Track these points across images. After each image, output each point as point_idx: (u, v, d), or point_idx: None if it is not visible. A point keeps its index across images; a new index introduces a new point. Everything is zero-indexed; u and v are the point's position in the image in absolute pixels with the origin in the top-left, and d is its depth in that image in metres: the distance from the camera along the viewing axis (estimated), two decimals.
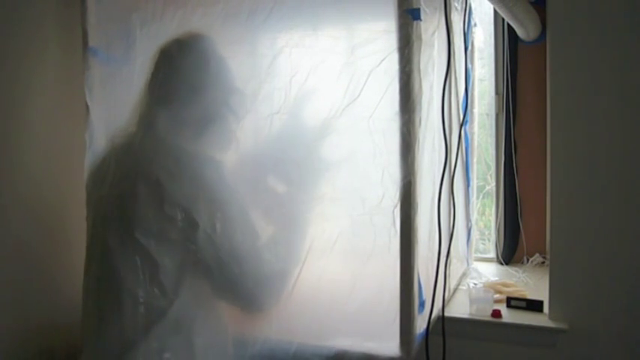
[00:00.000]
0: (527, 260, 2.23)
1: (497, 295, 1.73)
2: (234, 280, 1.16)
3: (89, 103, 1.39)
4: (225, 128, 1.27)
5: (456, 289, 1.88)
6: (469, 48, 1.95)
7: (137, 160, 1.17)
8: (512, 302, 1.68)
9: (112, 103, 1.37)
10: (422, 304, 1.34)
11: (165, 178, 1.12)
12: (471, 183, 2.08)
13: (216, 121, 1.24)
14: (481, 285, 1.87)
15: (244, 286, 1.17)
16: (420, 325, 1.33)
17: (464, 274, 2.04)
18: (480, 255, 2.35)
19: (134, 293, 1.11)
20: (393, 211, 1.28)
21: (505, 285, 1.85)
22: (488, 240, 2.38)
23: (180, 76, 1.21)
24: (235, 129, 1.29)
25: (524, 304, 1.66)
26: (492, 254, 2.33)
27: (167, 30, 1.29)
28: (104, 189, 1.20)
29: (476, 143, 2.23)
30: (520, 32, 2.10)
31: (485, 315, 1.62)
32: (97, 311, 1.18)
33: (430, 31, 1.38)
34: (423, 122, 1.29)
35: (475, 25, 2.11)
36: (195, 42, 1.25)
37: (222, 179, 1.18)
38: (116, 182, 1.18)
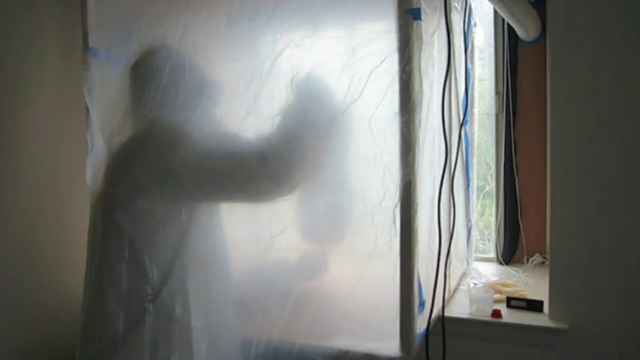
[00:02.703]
0: (527, 260, 2.23)
1: (497, 295, 1.73)
2: (228, 166, 1.20)
3: (88, 104, 1.39)
4: (207, 115, 1.30)
5: (456, 289, 1.88)
6: (469, 48, 1.95)
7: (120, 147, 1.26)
8: (512, 302, 1.68)
9: (113, 104, 1.37)
10: (422, 304, 1.34)
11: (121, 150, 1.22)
12: (470, 183, 2.08)
13: (197, 110, 1.28)
14: (481, 285, 1.87)
15: (241, 169, 1.20)
16: (420, 325, 1.33)
17: (464, 274, 2.04)
18: (479, 255, 2.35)
19: (117, 280, 1.15)
20: (394, 211, 1.28)
21: (505, 285, 1.85)
22: (488, 240, 2.38)
23: (155, 81, 1.25)
24: (217, 114, 1.32)
25: (524, 304, 1.67)
26: (492, 254, 2.33)
27: (173, 33, 1.30)
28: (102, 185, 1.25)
29: (476, 143, 2.23)
30: (520, 32, 2.10)
31: (485, 315, 1.62)
32: (88, 303, 1.20)
33: (430, 31, 1.38)
34: (423, 122, 1.29)
35: (475, 25, 2.11)
36: (154, 52, 1.30)
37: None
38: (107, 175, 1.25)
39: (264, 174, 1.22)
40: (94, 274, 1.20)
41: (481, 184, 2.35)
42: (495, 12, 2.18)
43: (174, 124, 1.23)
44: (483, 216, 2.39)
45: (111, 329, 1.13)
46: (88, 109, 1.41)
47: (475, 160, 2.20)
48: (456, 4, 1.69)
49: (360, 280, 1.35)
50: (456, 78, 1.78)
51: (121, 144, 1.26)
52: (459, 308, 1.69)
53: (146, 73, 1.27)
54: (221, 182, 1.22)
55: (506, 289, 1.81)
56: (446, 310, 1.53)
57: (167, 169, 1.17)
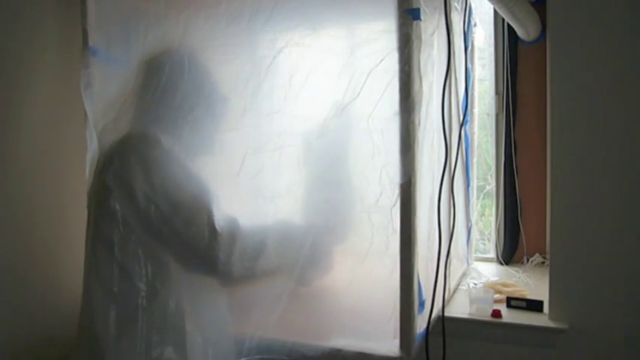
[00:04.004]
0: (527, 260, 2.23)
1: (497, 295, 1.73)
2: (184, 239, 1.15)
3: (85, 102, 1.39)
4: (204, 133, 1.28)
5: (456, 289, 1.88)
6: (469, 48, 1.95)
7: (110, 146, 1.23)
8: (512, 302, 1.68)
9: (108, 102, 1.37)
10: (422, 304, 1.33)
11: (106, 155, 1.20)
12: (470, 183, 2.08)
13: (194, 125, 1.25)
14: (481, 285, 1.87)
15: (197, 247, 1.16)
16: (420, 325, 1.33)
17: (464, 274, 2.04)
18: (480, 255, 2.35)
19: (107, 279, 1.15)
20: (391, 210, 1.28)
21: (505, 285, 1.85)
22: (488, 240, 2.38)
23: (162, 84, 1.24)
24: (214, 135, 1.30)
25: (524, 304, 1.66)
26: (492, 254, 2.33)
27: (172, 32, 1.30)
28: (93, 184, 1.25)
29: (476, 143, 2.23)
30: (520, 32, 2.10)
31: (485, 315, 1.62)
32: (83, 301, 1.21)
33: (430, 31, 1.38)
34: (422, 122, 1.29)
35: (475, 25, 2.11)
36: (174, 54, 1.28)
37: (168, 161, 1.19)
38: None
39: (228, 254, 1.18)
40: (87, 272, 1.20)
41: (481, 184, 2.35)
42: (495, 12, 2.18)
43: (163, 158, 1.18)
44: (483, 216, 2.39)
45: (105, 327, 1.13)
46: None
47: (475, 160, 2.20)
48: (455, 4, 1.69)
49: (355, 278, 1.34)
50: (456, 78, 1.77)
51: (112, 142, 1.23)
52: (459, 308, 1.69)
53: (158, 70, 1.24)
54: (177, 242, 1.17)
55: (506, 289, 1.80)
56: (446, 310, 1.53)
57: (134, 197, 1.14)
